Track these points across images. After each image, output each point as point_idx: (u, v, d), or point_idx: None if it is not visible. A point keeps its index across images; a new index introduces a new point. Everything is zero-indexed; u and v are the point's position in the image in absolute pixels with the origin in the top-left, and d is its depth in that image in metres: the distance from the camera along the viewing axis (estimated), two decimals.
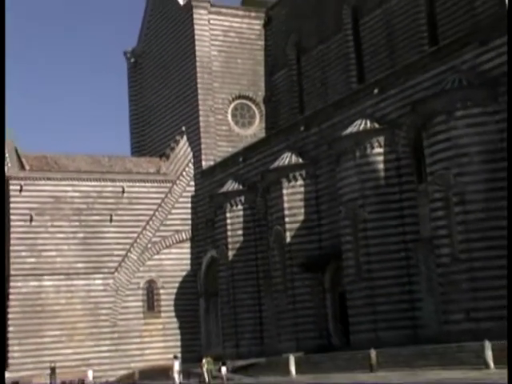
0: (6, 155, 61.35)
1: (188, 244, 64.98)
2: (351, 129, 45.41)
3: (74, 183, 62.22)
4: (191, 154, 66.30)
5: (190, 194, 65.78)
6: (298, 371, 42.64)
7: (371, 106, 46.05)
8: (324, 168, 49.76)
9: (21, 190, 60.56)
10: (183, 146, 66.69)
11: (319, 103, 59.12)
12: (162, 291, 63.71)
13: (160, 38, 73.37)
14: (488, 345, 32.16)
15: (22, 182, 60.77)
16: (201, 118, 65.66)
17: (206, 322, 63.37)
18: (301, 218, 50.21)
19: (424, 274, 42.35)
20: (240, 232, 56.41)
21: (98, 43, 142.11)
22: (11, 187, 60.62)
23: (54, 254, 60.66)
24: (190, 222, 65.33)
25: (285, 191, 50.59)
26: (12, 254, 59.82)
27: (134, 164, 66.90)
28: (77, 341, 59.99)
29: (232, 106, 68.01)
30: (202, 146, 65.49)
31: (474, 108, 38.41)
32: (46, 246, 60.48)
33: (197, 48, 67.10)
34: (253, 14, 70.72)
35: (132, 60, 77.29)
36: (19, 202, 60.46)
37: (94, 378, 56.23)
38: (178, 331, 63.47)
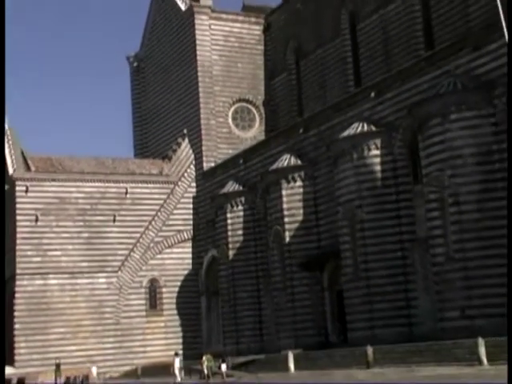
0: (13, 157, 61.84)
1: (189, 244, 65.38)
2: (349, 131, 45.71)
3: (78, 184, 62.66)
4: (193, 156, 66.75)
5: (191, 195, 66.22)
6: (296, 367, 43.12)
7: (368, 109, 46.32)
8: (322, 169, 50.03)
9: (27, 191, 60.92)
10: (185, 148, 67.13)
11: (317, 106, 59.38)
12: (164, 290, 64.09)
13: (162, 43, 73.69)
14: (481, 342, 32.57)
15: (28, 183, 61.13)
16: (202, 121, 66.11)
17: (207, 320, 63.65)
18: (300, 218, 50.45)
19: (420, 273, 42.52)
20: (240, 232, 56.81)
21: (102, 48, 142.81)
22: (17, 188, 60.96)
23: (58, 253, 61.06)
24: (191, 222, 65.74)
25: (284, 192, 50.89)
26: (18, 254, 60.17)
27: (137, 166, 67.19)
28: (81, 338, 60.32)
29: (232, 109, 68.40)
30: (203, 148, 65.96)
31: (468, 111, 38.61)
32: (51, 246, 60.88)
33: (198, 52, 67.46)
34: (253, 20, 71.09)
35: (135, 64, 77.70)
36: (25, 202, 60.83)
37: (97, 374, 56.98)
38: (179, 329, 63.83)
